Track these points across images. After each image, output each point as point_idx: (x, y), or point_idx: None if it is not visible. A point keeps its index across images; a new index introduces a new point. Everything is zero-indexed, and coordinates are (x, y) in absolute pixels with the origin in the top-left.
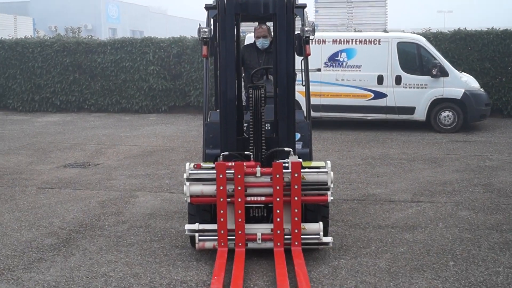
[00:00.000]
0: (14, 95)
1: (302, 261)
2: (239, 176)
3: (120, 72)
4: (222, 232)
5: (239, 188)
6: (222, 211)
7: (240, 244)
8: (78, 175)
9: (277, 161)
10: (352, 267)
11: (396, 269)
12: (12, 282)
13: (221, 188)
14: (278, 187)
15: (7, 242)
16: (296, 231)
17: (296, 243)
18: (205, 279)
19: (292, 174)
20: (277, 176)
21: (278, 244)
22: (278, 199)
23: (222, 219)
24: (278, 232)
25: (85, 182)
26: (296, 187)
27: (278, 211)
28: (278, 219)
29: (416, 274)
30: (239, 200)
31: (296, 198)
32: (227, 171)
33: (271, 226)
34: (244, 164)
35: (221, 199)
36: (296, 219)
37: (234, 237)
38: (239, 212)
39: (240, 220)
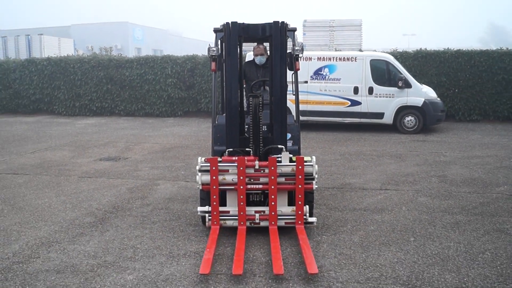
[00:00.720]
0: (59, 102)
1: (305, 236)
2: (241, 168)
3: (144, 83)
4: (215, 213)
5: (241, 178)
6: (215, 196)
7: (242, 223)
8: (111, 167)
9: (272, 156)
10: (332, 242)
11: (367, 243)
12: (60, 252)
13: (214, 178)
14: (272, 177)
15: (55, 220)
16: (299, 212)
17: (300, 222)
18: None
19: (297, 167)
20: (272, 168)
21: (273, 223)
22: (272, 187)
23: (214, 203)
24: (273, 213)
25: (117, 173)
26: (300, 177)
27: (272, 196)
28: (273, 203)
29: (384, 248)
30: (241, 187)
31: (300, 186)
32: (226, 164)
33: (267, 208)
34: (245, 158)
35: (214, 187)
36: (299, 203)
37: (236, 217)
38: (241, 197)
39: (242, 203)
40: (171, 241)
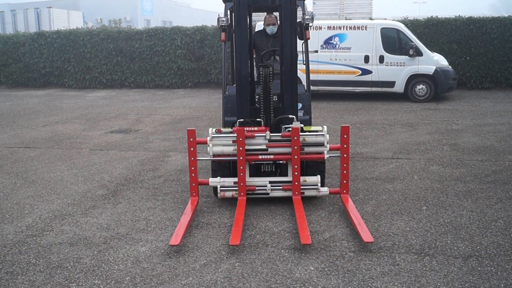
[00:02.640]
0: (69, 75)
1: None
2: (240, 139)
3: (154, 55)
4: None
5: (241, 148)
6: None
7: (242, 193)
8: (122, 139)
9: (294, 126)
10: (344, 211)
11: (379, 212)
12: (73, 224)
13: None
14: (295, 147)
15: (67, 193)
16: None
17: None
18: (226, 221)
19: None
20: (295, 138)
21: (296, 193)
22: (296, 157)
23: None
24: (296, 183)
25: (128, 145)
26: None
27: (296, 166)
28: (296, 173)
29: (396, 217)
30: (241, 158)
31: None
32: (261, 134)
33: (277, 178)
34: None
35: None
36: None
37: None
38: (241, 168)
39: (241, 174)
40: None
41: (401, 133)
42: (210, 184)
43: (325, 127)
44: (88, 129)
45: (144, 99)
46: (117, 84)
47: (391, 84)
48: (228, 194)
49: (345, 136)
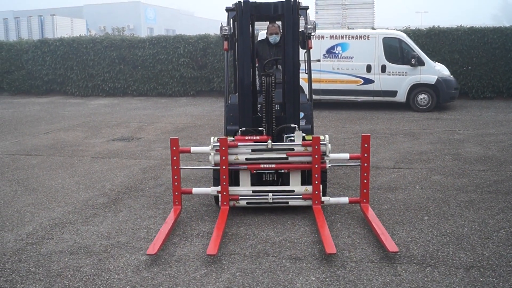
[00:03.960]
0: (72, 82)
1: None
2: (223, 148)
3: (157, 63)
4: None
5: (224, 158)
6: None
7: (225, 203)
8: (124, 147)
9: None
10: (345, 220)
11: (381, 222)
12: (73, 232)
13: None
14: (316, 156)
15: (68, 201)
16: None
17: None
18: (227, 230)
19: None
20: (316, 147)
21: (316, 202)
22: (316, 166)
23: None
24: (316, 192)
25: (130, 153)
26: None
27: (316, 175)
28: (316, 182)
29: (398, 227)
30: (224, 167)
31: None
32: (244, 144)
33: (279, 188)
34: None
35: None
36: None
37: (248, 197)
38: (224, 177)
39: (224, 184)
40: (184, 221)
41: (403, 142)
42: (193, 193)
43: (327, 136)
44: (90, 137)
45: (146, 107)
46: (120, 92)
47: (393, 93)
48: (230, 203)
49: (365, 145)
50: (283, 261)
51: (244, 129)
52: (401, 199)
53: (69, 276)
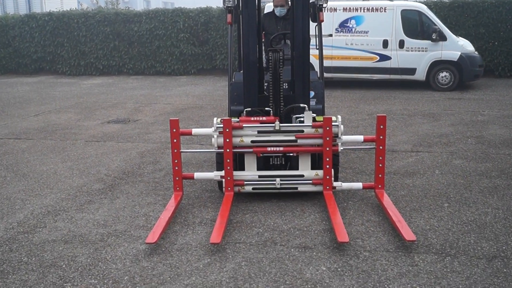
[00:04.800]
0: (62, 61)
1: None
2: (227, 130)
3: (154, 39)
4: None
5: (227, 140)
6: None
7: (229, 188)
8: (120, 130)
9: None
10: (359, 207)
11: (397, 209)
12: (67, 221)
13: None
14: (327, 138)
15: (61, 187)
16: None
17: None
18: (231, 218)
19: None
20: (327, 128)
21: (327, 187)
22: (327, 149)
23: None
24: (327, 177)
25: (126, 136)
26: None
27: (327, 159)
28: (328, 166)
29: (415, 214)
30: (228, 151)
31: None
32: (249, 125)
33: (288, 172)
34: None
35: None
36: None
37: (254, 182)
38: (228, 161)
39: (228, 168)
40: (186, 208)
41: (421, 124)
42: (195, 178)
43: (339, 117)
44: (83, 119)
45: (143, 86)
46: (115, 70)
47: (412, 71)
48: (234, 189)
49: (381, 127)
50: (292, 250)
51: (250, 109)
52: (419, 184)
53: (64, 266)
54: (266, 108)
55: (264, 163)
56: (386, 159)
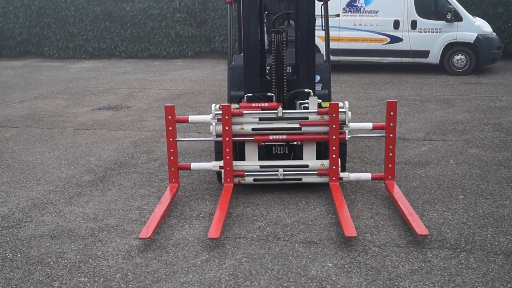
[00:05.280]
0: (50, 43)
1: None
2: (226, 117)
3: (148, 19)
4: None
5: (227, 128)
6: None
7: (228, 179)
8: (111, 117)
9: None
10: (367, 200)
11: (409, 202)
12: (55, 214)
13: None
14: (334, 126)
15: (48, 179)
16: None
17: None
18: (231, 211)
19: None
20: (334, 115)
21: (334, 178)
22: (334, 137)
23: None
24: (334, 167)
25: (118, 124)
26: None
27: (334, 148)
28: (334, 156)
29: (428, 207)
30: (227, 139)
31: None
32: (250, 112)
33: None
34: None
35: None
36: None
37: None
38: (227, 150)
39: (228, 158)
40: (183, 200)
41: (435, 110)
42: (192, 168)
43: (346, 103)
44: (72, 106)
45: (137, 71)
46: (106, 53)
47: (425, 53)
48: (234, 180)
49: (391, 113)
50: (296, 245)
51: (251, 94)
52: (432, 175)
53: (51, 263)
54: (269, 94)
55: (266, 152)
56: (397, 148)
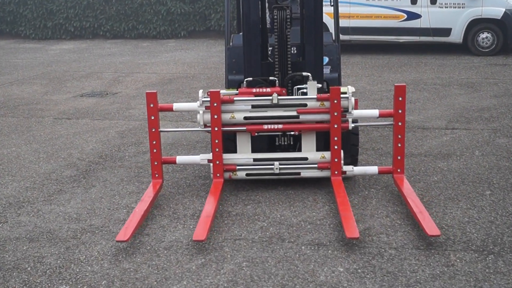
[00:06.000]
0: (26, 21)
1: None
2: (215, 104)
3: None
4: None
5: (215, 117)
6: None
7: (218, 174)
8: (95, 105)
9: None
10: (382, 196)
11: (429, 198)
12: (33, 214)
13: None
14: (335, 113)
15: (25, 174)
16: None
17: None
18: (230, 209)
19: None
20: (335, 101)
21: (336, 172)
22: (335, 126)
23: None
24: (336, 160)
25: (103, 112)
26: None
27: (336, 138)
28: (336, 147)
29: (451, 204)
30: (216, 129)
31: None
32: (241, 98)
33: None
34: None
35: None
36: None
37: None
38: (216, 142)
39: (217, 150)
40: (175, 198)
41: (458, 95)
42: (177, 162)
43: (349, 87)
44: (51, 92)
45: (123, 52)
46: (89, 33)
47: (446, 32)
48: (226, 175)
49: (400, 99)
50: (303, 247)
51: (251, 79)
52: (455, 168)
53: (29, 268)
54: (271, 78)
55: (269, 144)
56: (415, 138)
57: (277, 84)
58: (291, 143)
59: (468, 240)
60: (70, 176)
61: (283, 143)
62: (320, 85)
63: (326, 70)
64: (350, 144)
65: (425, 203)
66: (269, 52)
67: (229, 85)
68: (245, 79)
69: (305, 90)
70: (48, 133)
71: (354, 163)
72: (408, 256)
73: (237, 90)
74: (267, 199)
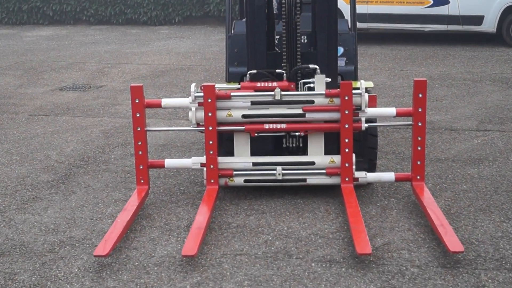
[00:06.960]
0: None
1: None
2: (209, 100)
3: None
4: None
5: (210, 114)
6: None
7: (212, 180)
8: (77, 100)
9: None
10: (404, 207)
11: (457, 209)
12: (4, 224)
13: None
14: (346, 111)
15: None
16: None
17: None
18: (230, 220)
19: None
20: (346, 98)
21: (347, 179)
22: (346, 126)
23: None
24: (347, 165)
25: (86, 108)
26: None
27: (346, 140)
28: (347, 150)
29: (482, 216)
30: (210, 129)
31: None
32: (239, 94)
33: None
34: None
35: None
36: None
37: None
38: (210, 143)
39: (211, 152)
40: (168, 207)
41: (491, 93)
42: (166, 166)
43: (363, 82)
44: (26, 85)
45: (109, 40)
46: (70, 18)
47: (478, 20)
48: (221, 181)
49: (420, 96)
50: (313, 264)
51: (255, 71)
52: (487, 176)
53: None
54: (278, 70)
55: (275, 145)
56: (442, 141)
57: (284, 78)
58: (300, 145)
59: (501, 257)
60: (47, 181)
61: (290, 146)
62: (329, 79)
63: (341, 62)
64: (367, 147)
65: (453, 215)
66: (276, 41)
67: (230, 78)
68: (249, 72)
69: (312, 85)
70: (22, 131)
71: (372, 168)
72: (433, 276)
73: (239, 84)
74: (272, 209)
